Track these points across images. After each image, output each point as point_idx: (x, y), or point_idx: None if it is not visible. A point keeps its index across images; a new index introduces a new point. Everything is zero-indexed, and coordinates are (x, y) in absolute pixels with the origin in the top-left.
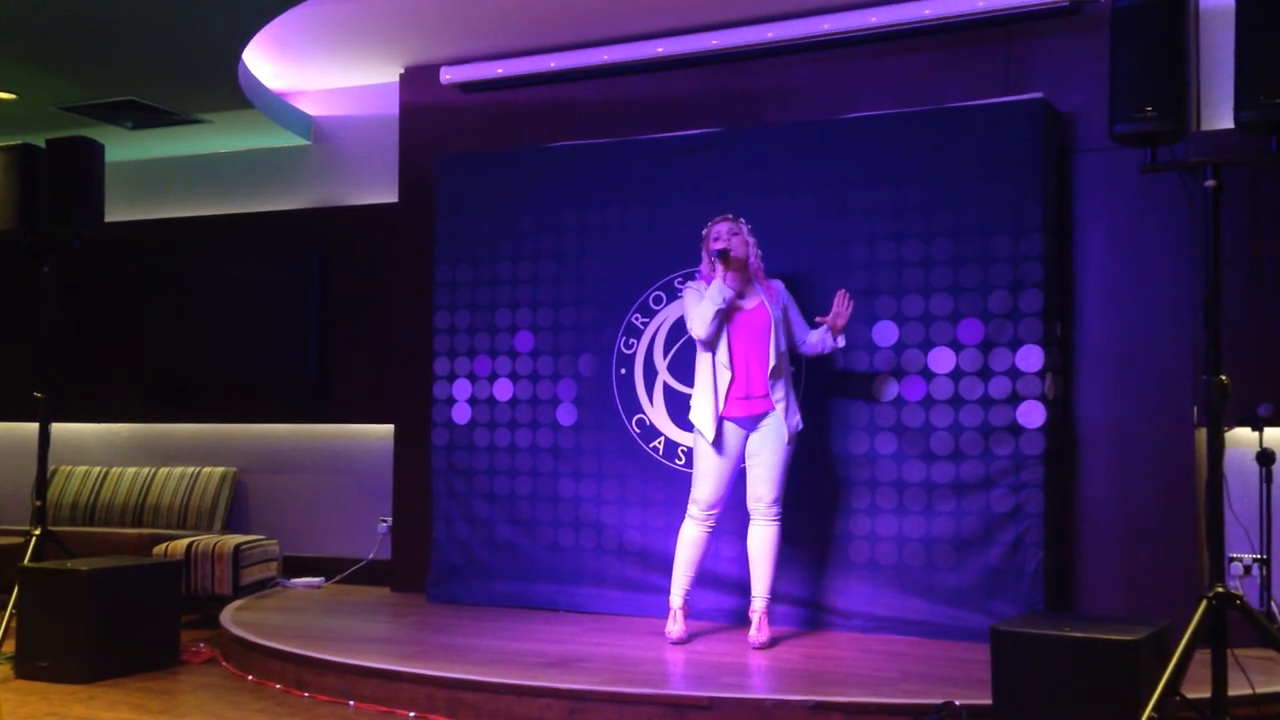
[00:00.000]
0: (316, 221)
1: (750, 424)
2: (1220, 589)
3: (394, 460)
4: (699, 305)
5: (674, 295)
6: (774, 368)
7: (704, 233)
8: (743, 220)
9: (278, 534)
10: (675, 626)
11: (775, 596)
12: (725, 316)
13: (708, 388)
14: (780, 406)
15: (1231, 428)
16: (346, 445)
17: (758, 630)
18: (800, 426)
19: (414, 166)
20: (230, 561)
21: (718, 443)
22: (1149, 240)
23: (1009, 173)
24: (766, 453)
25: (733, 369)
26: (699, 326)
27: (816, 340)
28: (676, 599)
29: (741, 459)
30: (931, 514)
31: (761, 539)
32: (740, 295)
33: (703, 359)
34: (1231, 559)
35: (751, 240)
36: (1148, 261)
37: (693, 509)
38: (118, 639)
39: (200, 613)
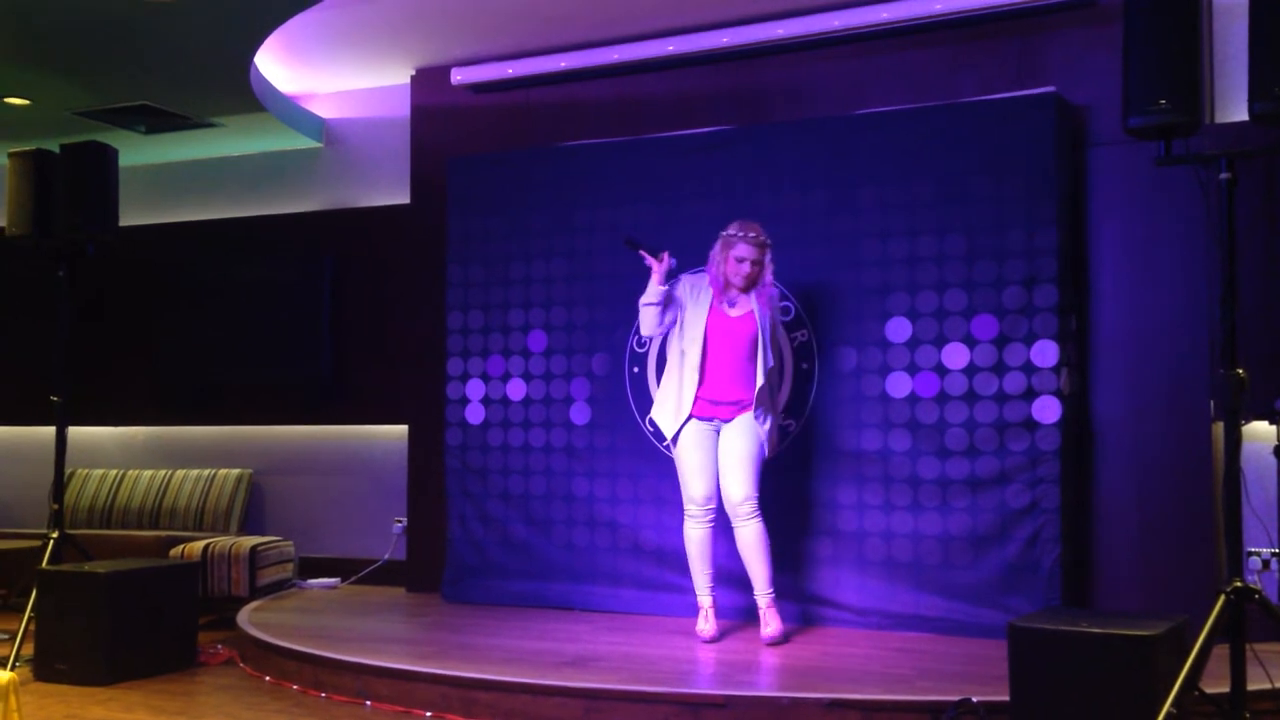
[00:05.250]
0: (329, 223)
1: (713, 423)
2: (1238, 583)
3: (408, 461)
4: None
5: None
6: (760, 387)
7: (726, 234)
8: (767, 240)
9: (293, 535)
10: (707, 625)
11: (790, 594)
12: (705, 320)
13: (672, 389)
14: (751, 411)
15: (1248, 421)
16: (361, 446)
17: (767, 624)
18: (769, 436)
19: (426, 167)
20: (247, 563)
21: (682, 438)
22: (1163, 233)
23: (1022, 167)
24: (734, 448)
25: (701, 374)
26: (643, 326)
27: None
28: (705, 598)
29: (715, 452)
30: (947, 510)
31: (747, 539)
32: (731, 303)
33: (672, 358)
34: (1249, 553)
35: (770, 264)
36: (1162, 255)
37: (690, 508)
38: (135, 641)
39: (217, 614)
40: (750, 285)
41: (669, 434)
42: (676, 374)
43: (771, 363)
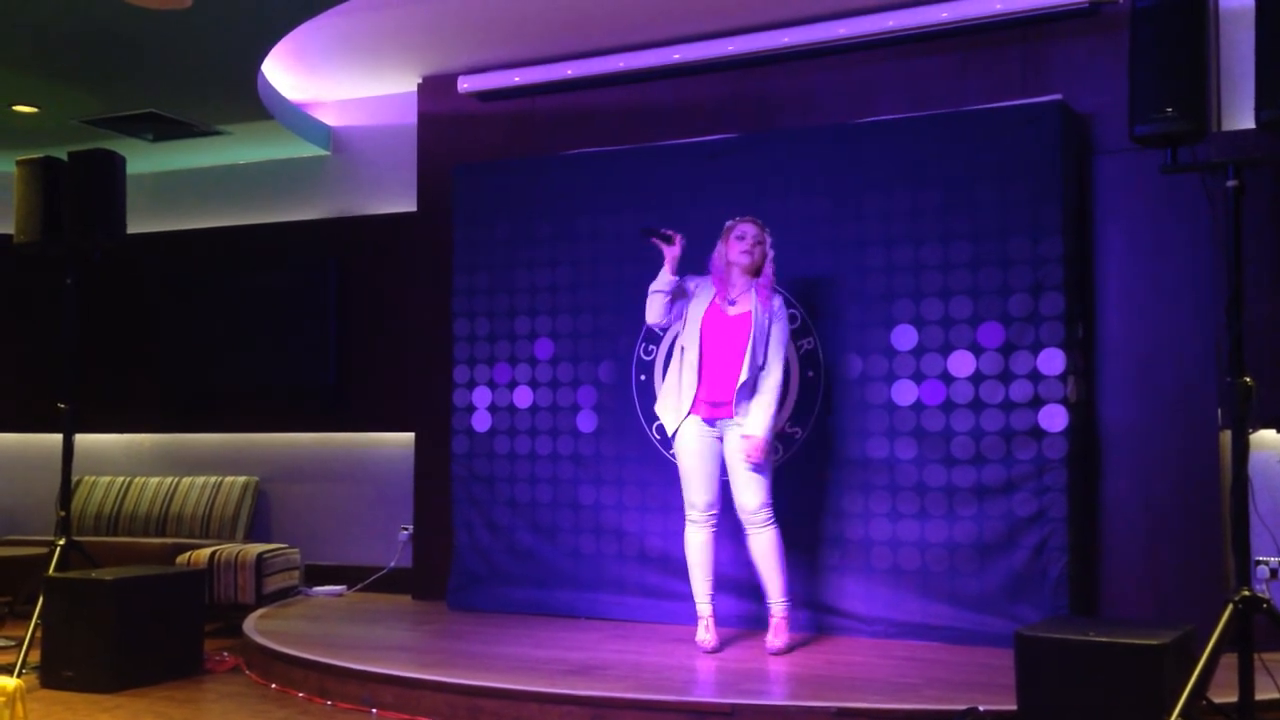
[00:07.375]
0: (335, 231)
1: (716, 427)
2: (1246, 592)
3: (414, 468)
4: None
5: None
6: (743, 382)
7: (727, 225)
8: (767, 228)
9: (299, 543)
10: (707, 635)
11: (797, 602)
12: (702, 317)
13: (674, 385)
14: (741, 417)
15: (1256, 429)
16: (367, 454)
17: (775, 635)
18: (763, 439)
19: (432, 175)
20: (253, 570)
21: (682, 438)
22: (1170, 241)
23: (1028, 175)
24: (735, 460)
25: (700, 373)
26: (649, 314)
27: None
28: (705, 607)
29: (722, 458)
30: (954, 519)
31: (759, 547)
32: (731, 302)
33: (675, 355)
34: (1257, 562)
35: (771, 253)
36: (1169, 263)
37: (691, 513)
38: (142, 648)
39: (223, 621)
40: (755, 267)
41: (670, 429)
42: (677, 371)
43: (761, 362)
